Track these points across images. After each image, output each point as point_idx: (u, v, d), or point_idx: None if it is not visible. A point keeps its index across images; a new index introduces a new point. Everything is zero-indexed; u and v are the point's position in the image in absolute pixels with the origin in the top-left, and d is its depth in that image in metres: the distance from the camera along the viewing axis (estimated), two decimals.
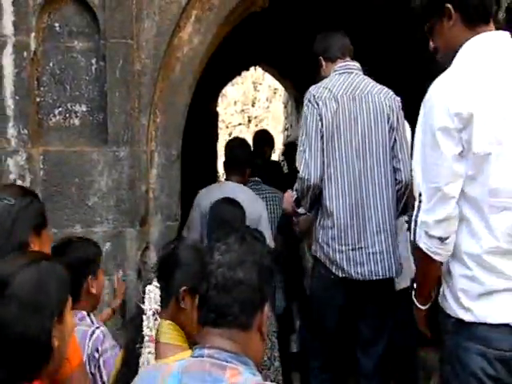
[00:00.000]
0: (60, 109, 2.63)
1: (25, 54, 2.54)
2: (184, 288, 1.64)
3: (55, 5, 2.60)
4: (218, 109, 8.77)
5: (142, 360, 1.58)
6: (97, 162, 2.59)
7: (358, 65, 2.71)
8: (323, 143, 2.46)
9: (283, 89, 10.03)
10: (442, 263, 1.66)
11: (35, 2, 2.54)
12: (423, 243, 1.60)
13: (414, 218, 1.62)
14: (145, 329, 1.63)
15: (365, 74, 2.73)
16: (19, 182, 2.54)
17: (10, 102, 2.54)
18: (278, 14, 4.69)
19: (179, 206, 2.81)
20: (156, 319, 1.64)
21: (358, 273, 2.51)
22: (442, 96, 1.52)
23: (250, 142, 6.18)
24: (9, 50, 2.53)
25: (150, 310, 1.63)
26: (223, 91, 10.01)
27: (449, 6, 1.60)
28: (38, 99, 2.61)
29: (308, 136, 2.48)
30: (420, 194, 1.59)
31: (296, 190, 2.72)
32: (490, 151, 1.48)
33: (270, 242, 2.94)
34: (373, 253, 2.50)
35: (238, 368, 1.05)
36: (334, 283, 2.54)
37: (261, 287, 1.13)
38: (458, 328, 1.62)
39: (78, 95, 2.62)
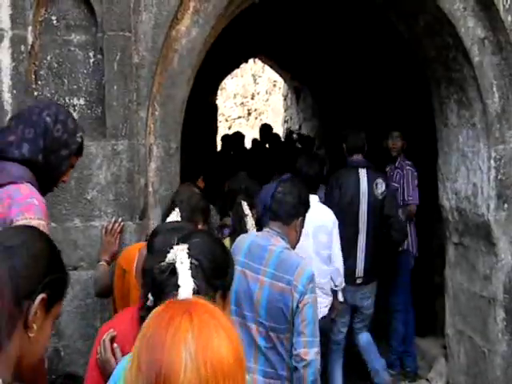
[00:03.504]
0: (58, 102, 2.61)
1: (22, 47, 2.53)
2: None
3: None
4: (218, 102, 8.74)
5: None
6: (95, 155, 2.59)
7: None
8: None
9: (283, 81, 9.99)
10: None
11: None
12: None
13: None
14: None
15: None
16: None
17: (7, 97, 2.53)
18: (276, 6, 4.66)
19: None
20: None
21: None
22: None
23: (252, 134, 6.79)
24: (6, 43, 2.51)
25: (254, 228, 2.50)
26: (222, 84, 9.97)
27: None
28: (35, 93, 2.60)
29: None
30: None
31: None
32: None
33: None
34: None
35: (279, 239, 2.19)
36: None
37: (297, 206, 2.25)
38: None
39: (76, 89, 2.61)
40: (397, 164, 4.11)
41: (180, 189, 2.51)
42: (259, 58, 8.79)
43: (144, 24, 2.64)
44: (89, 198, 2.58)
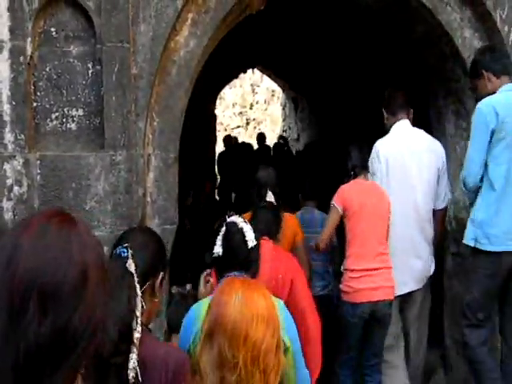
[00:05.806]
0: (57, 113, 2.62)
1: (21, 58, 2.54)
2: None
3: (51, 10, 2.60)
4: (216, 111, 8.77)
5: None
6: (94, 166, 2.59)
7: None
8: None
9: (281, 91, 10.03)
10: None
11: (31, 7, 2.54)
12: None
13: None
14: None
15: None
16: (16, 188, 2.54)
17: (6, 107, 2.54)
18: (274, 17, 4.69)
19: (177, 210, 2.81)
20: None
21: None
22: None
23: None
24: (5, 55, 2.53)
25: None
26: (221, 94, 10.01)
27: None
28: (34, 104, 2.61)
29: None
30: None
31: None
32: None
33: None
34: None
35: (316, 210, 3.78)
36: None
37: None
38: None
39: (75, 100, 2.62)
40: None
41: (265, 171, 3.16)
42: (258, 69, 8.83)
43: (142, 35, 2.66)
44: (87, 208, 2.58)
